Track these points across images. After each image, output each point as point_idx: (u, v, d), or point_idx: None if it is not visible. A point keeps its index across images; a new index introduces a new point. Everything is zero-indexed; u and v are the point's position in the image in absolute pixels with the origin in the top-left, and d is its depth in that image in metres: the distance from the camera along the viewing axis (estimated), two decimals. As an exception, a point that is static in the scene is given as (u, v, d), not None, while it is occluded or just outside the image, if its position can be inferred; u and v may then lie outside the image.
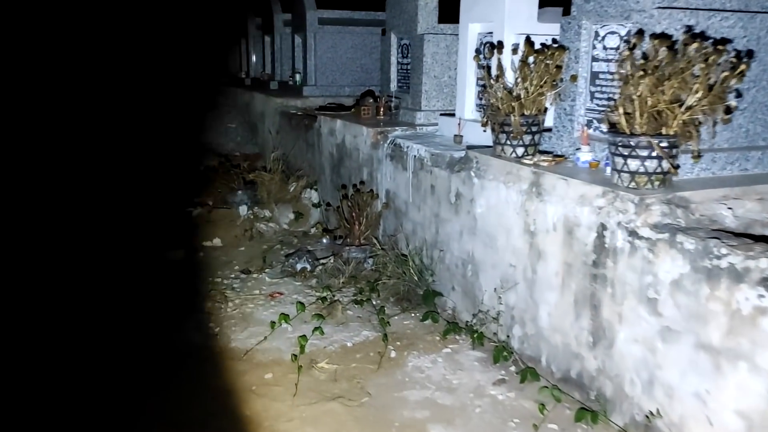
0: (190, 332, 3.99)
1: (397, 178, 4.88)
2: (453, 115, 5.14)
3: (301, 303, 4.31)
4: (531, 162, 3.49)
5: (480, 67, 4.55)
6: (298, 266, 5.04)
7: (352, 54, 8.44)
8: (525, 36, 4.09)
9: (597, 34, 3.47)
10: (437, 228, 4.34)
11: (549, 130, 3.75)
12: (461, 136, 4.61)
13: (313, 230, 6.35)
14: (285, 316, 4.07)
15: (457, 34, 5.43)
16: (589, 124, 3.58)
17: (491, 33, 4.50)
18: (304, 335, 3.81)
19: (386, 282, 4.63)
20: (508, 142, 3.67)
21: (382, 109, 5.91)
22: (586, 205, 3.01)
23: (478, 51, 4.32)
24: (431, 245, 4.42)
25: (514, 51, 3.72)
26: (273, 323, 4.01)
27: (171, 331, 3.97)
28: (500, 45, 4.15)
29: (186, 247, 5.57)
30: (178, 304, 4.41)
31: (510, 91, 3.65)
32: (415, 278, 4.43)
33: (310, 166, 6.81)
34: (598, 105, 3.51)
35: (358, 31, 8.36)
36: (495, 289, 3.69)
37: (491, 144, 3.93)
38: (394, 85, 6.16)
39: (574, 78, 3.49)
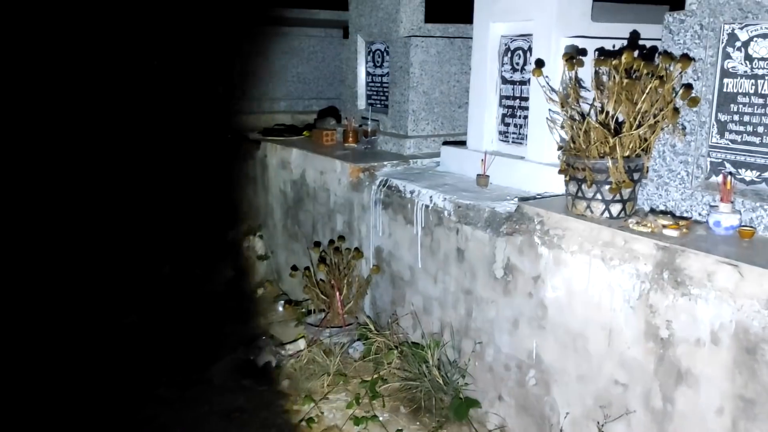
0: None
1: (396, 233, 3.64)
2: (460, 143, 3.97)
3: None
4: (647, 228, 2.37)
5: (506, 81, 3.42)
6: (260, 360, 3.69)
7: (286, 61, 7.08)
8: (573, 41, 3.02)
9: (734, 37, 2.40)
10: (470, 309, 3.14)
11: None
12: (487, 176, 3.44)
13: (261, 291, 4.97)
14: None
15: (448, 37, 4.30)
16: (717, 169, 2.51)
17: (525, 36, 3.37)
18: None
19: (391, 382, 3.38)
20: (599, 196, 2.54)
21: (351, 135, 4.64)
22: (784, 309, 1.93)
23: (539, 62, 3.15)
24: (460, 332, 3.22)
25: (575, 62, 2.61)
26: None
27: None
28: (577, 53, 3.01)
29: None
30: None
31: (603, 123, 2.52)
32: (439, 380, 3.21)
33: (251, 206, 5.41)
34: (732, 141, 2.45)
35: (294, 33, 7.01)
36: (585, 413, 2.54)
37: (554, 193, 2.79)
38: (362, 103, 4.91)
39: (694, 101, 2.41)
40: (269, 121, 6.06)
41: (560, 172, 2.63)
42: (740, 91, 2.41)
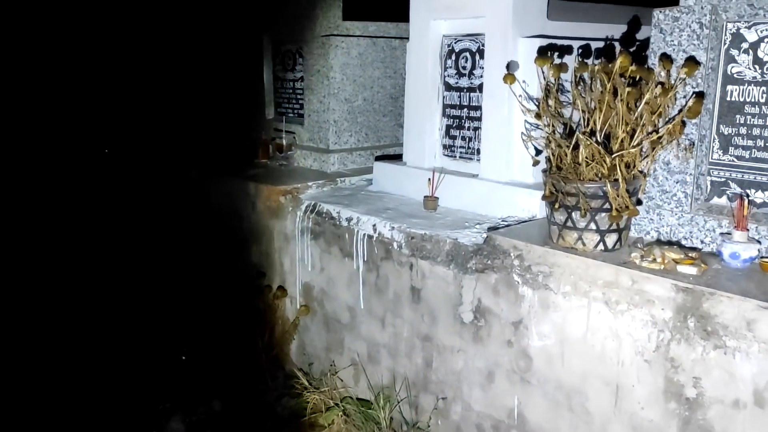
0: None
1: (330, 268, 3.10)
2: (394, 158, 3.50)
3: None
4: (658, 264, 2.01)
5: (450, 88, 3.00)
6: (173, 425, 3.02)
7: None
8: (532, 42, 2.66)
9: (739, 37, 2.10)
10: (429, 359, 2.67)
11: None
12: (436, 198, 2.98)
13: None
14: None
15: (371, 37, 3.82)
16: (720, 189, 2.21)
17: (474, 36, 2.96)
18: None
19: (333, 448, 2.84)
20: (592, 226, 2.15)
21: (262, 150, 4.02)
22: None
23: (511, 65, 2.72)
24: (417, 386, 2.74)
25: (560, 66, 2.23)
26: None
27: None
28: (549, 53, 2.62)
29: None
30: None
31: (601, 142, 2.13)
32: (395, 445, 2.71)
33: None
34: (738, 158, 2.15)
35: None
36: (591, 486, 2.15)
37: (519, 218, 2.40)
38: (271, 111, 4.31)
39: (694, 112, 2.08)
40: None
41: (545, 198, 2.21)
42: (748, 100, 2.11)
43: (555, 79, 2.23)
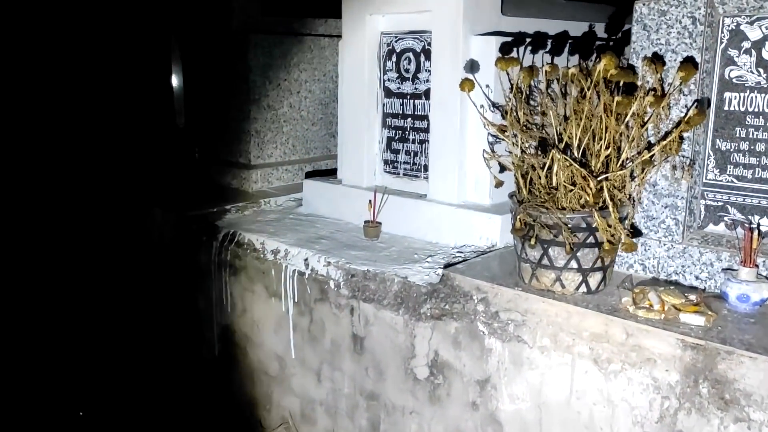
0: None
1: (254, 309, 2.62)
2: (327, 174, 3.06)
3: None
4: (655, 313, 1.65)
5: (392, 94, 2.59)
6: None
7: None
8: (485, 40, 2.30)
9: (739, 35, 1.78)
10: (376, 420, 2.25)
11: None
12: (378, 224, 2.56)
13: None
14: None
15: (296, 34, 3.38)
16: (717, 215, 1.89)
17: (417, 33, 2.55)
18: None
19: None
20: (574, 264, 1.78)
21: (169, 164, 3.49)
22: None
23: (472, 65, 2.32)
24: (362, 453, 2.30)
25: (529, 70, 1.86)
26: None
27: None
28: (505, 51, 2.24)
29: None
30: None
31: (578, 160, 1.76)
32: None
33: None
34: (738, 178, 1.83)
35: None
36: None
37: (477, 248, 2.02)
38: (182, 121, 3.77)
39: (695, 125, 1.74)
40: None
41: (516, 231, 1.82)
42: (750, 109, 1.79)
43: (524, 86, 1.84)
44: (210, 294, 2.78)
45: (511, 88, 1.95)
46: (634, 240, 1.84)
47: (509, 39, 2.36)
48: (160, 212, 2.95)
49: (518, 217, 1.79)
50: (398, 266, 2.23)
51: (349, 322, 2.27)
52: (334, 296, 2.30)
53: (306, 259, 2.41)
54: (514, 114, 1.85)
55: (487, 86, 2.30)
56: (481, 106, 2.18)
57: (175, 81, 3.71)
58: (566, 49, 2.48)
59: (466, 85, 1.91)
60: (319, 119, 3.61)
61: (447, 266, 2.11)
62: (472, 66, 2.29)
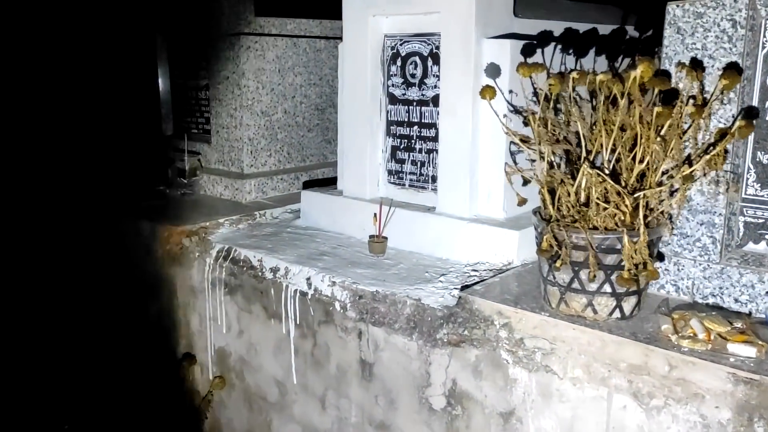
0: None
1: (252, 331, 2.46)
2: (327, 183, 2.90)
3: None
4: (701, 343, 1.52)
5: (396, 101, 2.44)
6: None
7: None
8: (498, 43, 2.17)
9: (784, 40, 1.65)
10: (386, 453, 2.09)
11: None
12: (385, 239, 2.40)
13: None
14: None
15: (290, 36, 3.22)
16: (757, 233, 1.76)
17: (424, 36, 2.40)
18: None
19: None
20: (607, 288, 1.64)
21: (155, 174, 3.31)
22: None
23: (493, 69, 2.17)
24: (371, 487, 2.15)
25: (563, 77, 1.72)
26: None
27: None
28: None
29: None
30: None
31: (617, 176, 1.62)
32: None
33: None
34: (780, 193, 1.71)
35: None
36: None
37: (493, 266, 1.88)
38: (169, 127, 3.59)
39: (743, 136, 1.61)
40: None
41: (542, 252, 1.68)
42: (799, 120, 1.66)
43: (553, 95, 1.69)
44: (204, 313, 2.60)
45: (534, 95, 1.81)
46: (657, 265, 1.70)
47: (527, 41, 2.22)
48: (149, 224, 2.77)
49: (545, 236, 1.64)
50: (409, 286, 2.08)
51: (357, 347, 2.11)
52: (340, 319, 2.14)
53: (308, 278, 2.25)
54: (541, 124, 1.71)
55: (511, 92, 2.16)
56: (504, 115, 2.02)
57: (161, 85, 3.52)
58: (592, 52, 2.35)
59: (487, 92, 1.76)
60: (315, 125, 3.44)
61: (464, 288, 1.96)
62: (493, 71, 2.14)
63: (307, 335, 2.26)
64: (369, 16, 2.49)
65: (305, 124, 3.40)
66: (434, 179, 2.47)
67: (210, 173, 3.21)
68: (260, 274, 2.39)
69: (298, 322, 2.28)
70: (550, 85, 1.63)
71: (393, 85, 2.54)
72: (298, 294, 2.26)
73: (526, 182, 1.88)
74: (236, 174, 3.15)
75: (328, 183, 3.00)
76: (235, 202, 3.05)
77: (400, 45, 2.49)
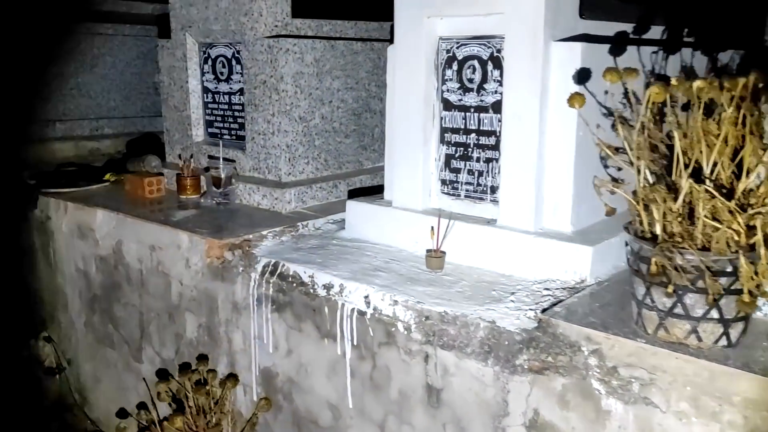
0: None
1: (302, 350, 2.33)
2: (369, 193, 2.77)
3: None
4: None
5: (451, 106, 2.31)
6: None
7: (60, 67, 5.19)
8: (568, 46, 2.04)
9: None
10: (455, 484, 1.95)
11: None
12: (443, 254, 2.27)
13: (55, 425, 3.30)
14: None
15: (328, 38, 3.10)
16: None
17: (484, 39, 2.27)
18: None
19: None
20: (714, 314, 1.51)
21: (190, 183, 3.17)
22: None
23: (583, 74, 2.03)
24: None
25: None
26: None
27: None
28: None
29: None
30: None
31: (723, 191, 1.49)
32: None
33: (34, 293, 3.64)
34: None
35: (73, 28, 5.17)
36: None
37: (565, 283, 1.75)
38: (199, 132, 3.46)
39: None
40: (45, 155, 4.26)
41: (653, 276, 1.54)
42: None
43: (650, 105, 1.56)
44: (248, 331, 2.47)
45: (626, 100, 1.68)
46: None
47: (591, 46, 2.09)
48: (188, 236, 2.64)
49: (655, 259, 1.51)
50: (479, 306, 1.95)
51: (423, 371, 1.98)
52: (404, 341, 2.01)
53: (366, 297, 2.11)
54: (640, 135, 1.57)
55: (596, 98, 2.02)
56: (598, 125, 1.88)
57: (191, 88, 3.39)
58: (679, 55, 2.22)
59: (576, 100, 1.63)
60: (352, 131, 3.31)
61: (545, 311, 1.82)
62: (581, 76, 2.01)
63: (366, 357, 2.12)
64: (423, 17, 2.36)
65: (342, 130, 3.27)
66: (493, 190, 2.34)
67: (245, 182, 3.07)
68: (312, 290, 2.26)
69: (355, 343, 2.14)
70: (654, 93, 1.50)
71: (448, 91, 2.41)
72: (355, 313, 2.13)
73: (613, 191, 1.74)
74: (274, 182, 3.02)
75: (371, 192, 2.87)
76: (274, 212, 2.92)
77: (457, 48, 2.36)
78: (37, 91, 4.29)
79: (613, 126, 1.66)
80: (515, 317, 1.87)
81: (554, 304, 1.87)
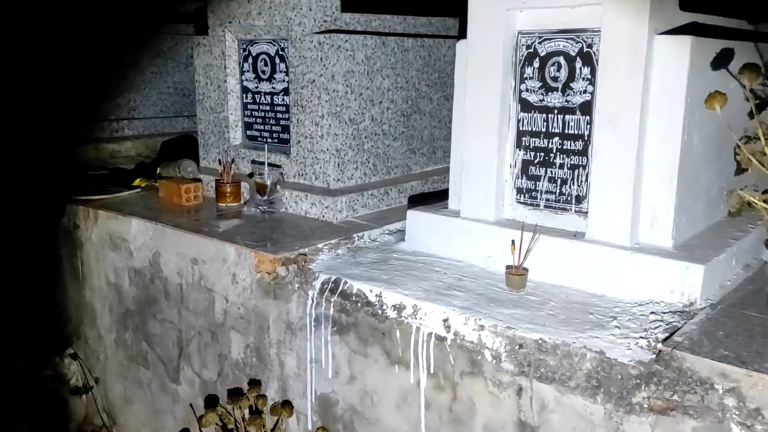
0: None
1: (367, 377, 2.12)
2: (427, 200, 2.56)
3: None
4: None
5: (529, 107, 2.11)
6: None
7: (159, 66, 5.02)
8: (671, 40, 1.83)
9: None
10: None
11: None
12: (525, 270, 2.06)
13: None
14: None
15: (380, 34, 2.91)
16: None
17: (572, 33, 2.06)
18: None
19: None
20: None
21: (230, 190, 2.97)
22: None
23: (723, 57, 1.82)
24: None
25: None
26: None
27: None
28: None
29: None
30: None
31: None
32: None
33: (59, 307, 3.44)
34: None
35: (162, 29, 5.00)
36: None
37: (667, 304, 1.54)
38: (237, 135, 3.26)
39: None
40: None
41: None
42: None
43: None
44: (303, 354, 2.26)
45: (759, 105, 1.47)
46: None
47: (683, 44, 1.88)
48: (235, 249, 2.44)
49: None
50: (580, 333, 1.74)
51: (515, 405, 1.77)
52: (492, 371, 1.80)
53: (446, 320, 1.91)
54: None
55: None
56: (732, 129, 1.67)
57: (230, 87, 3.19)
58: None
59: (717, 99, 1.42)
60: (401, 134, 3.11)
61: (665, 342, 1.61)
62: (719, 60, 1.79)
63: (445, 387, 1.91)
64: (502, 9, 2.15)
65: (391, 133, 3.06)
66: (579, 200, 2.13)
67: (291, 188, 2.87)
68: (380, 311, 2.05)
69: (432, 371, 1.93)
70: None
71: (527, 90, 2.20)
72: (433, 338, 1.92)
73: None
74: (323, 189, 2.81)
75: (430, 199, 2.67)
76: (324, 222, 2.71)
77: (539, 43, 2.15)
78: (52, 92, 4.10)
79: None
80: (626, 347, 1.66)
81: (672, 333, 1.66)
